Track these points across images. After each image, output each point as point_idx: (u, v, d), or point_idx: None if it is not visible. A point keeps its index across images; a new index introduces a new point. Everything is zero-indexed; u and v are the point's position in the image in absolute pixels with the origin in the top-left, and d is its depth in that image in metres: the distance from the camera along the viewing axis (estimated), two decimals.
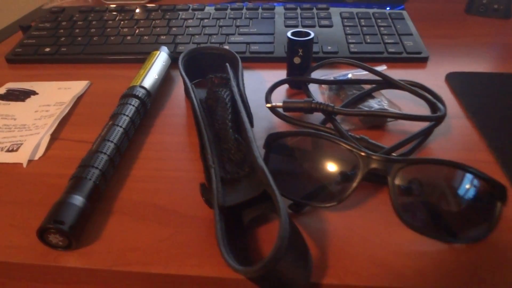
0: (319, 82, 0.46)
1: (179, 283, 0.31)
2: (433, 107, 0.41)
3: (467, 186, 0.30)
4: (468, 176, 0.29)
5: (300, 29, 0.46)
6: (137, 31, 0.62)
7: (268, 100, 0.43)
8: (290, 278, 0.26)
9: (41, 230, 0.31)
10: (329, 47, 0.56)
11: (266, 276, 0.24)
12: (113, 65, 0.57)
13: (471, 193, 0.30)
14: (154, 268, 0.31)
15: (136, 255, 0.31)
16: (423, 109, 0.45)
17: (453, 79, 0.50)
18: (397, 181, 0.30)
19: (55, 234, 0.31)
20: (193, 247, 0.32)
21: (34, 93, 0.52)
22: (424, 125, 0.39)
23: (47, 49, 0.59)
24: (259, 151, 0.32)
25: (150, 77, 0.48)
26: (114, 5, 0.70)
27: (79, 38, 0.61)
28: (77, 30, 0.63)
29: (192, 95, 0.40)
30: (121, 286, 0.32)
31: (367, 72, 0.48)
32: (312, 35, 0.45)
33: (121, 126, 0.40)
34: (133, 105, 0.43)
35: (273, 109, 0.42)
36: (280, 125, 0.44)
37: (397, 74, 0.52)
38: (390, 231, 0.32)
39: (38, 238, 0.31)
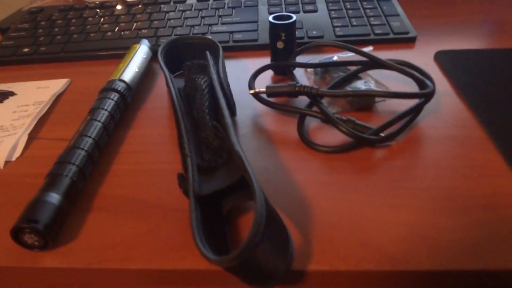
0: (303, 66, 0.44)
1: (162, 278, 0.30)
2: (421, 85, 0.40)
3: None
4: None
5: (282, 13, 0.45)
6: (117, 26, 0.60)
7: (251, 86, 0.42)
8: (269, 266, 0.24)
9: (15, 230, 0.29)
10: (314, 32, 0.54)
11: (243, 265, 0.23)
12: (93, 62, 0.56)
13: None
14: (134, 263, 0.29)
15: (115, 251, 0.30)
16: (411, 89, 0.44)
17: (441, 58, 0.49)
18: None
19: (29, 234, 0.29)
20: (175, 240, 0.30)
21: (12, 94, 0.50)
22: (412, 104, 0.38)
23: (26, 50, 0.58)
24: (236, 137, 0.30)
25: (130, 70, 0.46)
26: (94, 3, 0.68)
27: (59, 37, 0.59)
28: (56, 29, 0.62)
29: (170, 84, 0.38)
30: (101, 284, 0.31)
31: (353, 54, 0.47)
32: (294, 18, 0.44)
33: (99, 121, 0.39)
34: (112, 99, 0.42)
35: (256, 96, 0.41)
36: (264, 112, 0.42)
37: (385, 55, 0.51)
38: (380, 213, 0.31)
39: (12, 238, 0.30)
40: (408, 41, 0.54)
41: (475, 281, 0.28)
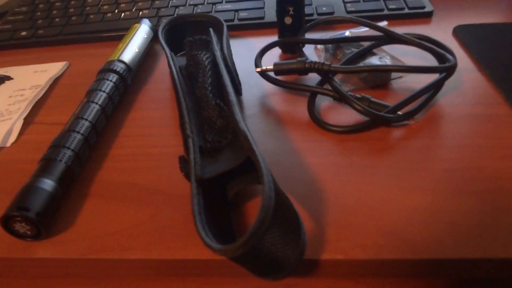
0: (313, 42, 0.41)
1: (163, 269, 0.27)
2: (441, 60, 0.37)
3: None
4: None
5: None
6: (117, 7, 0.58)
7: (258, 64, 0.39)
8: (280, 256, 0.22)
9: (5, 219, 0.27)
10: (324, 8, 0.51)
11: (250, 254, 0.21)
12: (93, 44, 0.53)
13: None
14: (134, 253, 0.27)
15: (113, 240, 0.28)
16: (430, 64, 0.41)
17: (461, 32, 0.46)
18: None
19: (21, 222, 0.27)
20: (177, 228, 0.28)
21: (8, 78, 0.48)
22: (432, 80, 0.35)
23: (24, 33, 0.55)
24: (241, 115, 0.28)
25: (130, 50, 0.44)
26: None
27: (57, 19, 0.57)
28: (54, 11, 0.59)
29: (171, 62, 0.36)
30: (100, 275, 0.29)
31: (366, 29, 0.44)
32: None
33: (97, 103, 0.37)
34: (111, 81, 0.39)
35: (263, 74, 0.38)
36: (272, 91, 0.40)
37: (400, 31, 0.47)
38: (400, 196, 0.28)
39: (2, 227, 0.28)
40: (424, 16, 0.50)
41: (508, 271, 0.25)
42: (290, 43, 0.43)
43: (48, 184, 0.29)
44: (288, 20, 0.42)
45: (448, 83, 0.38)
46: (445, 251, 0.25)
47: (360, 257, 0.25)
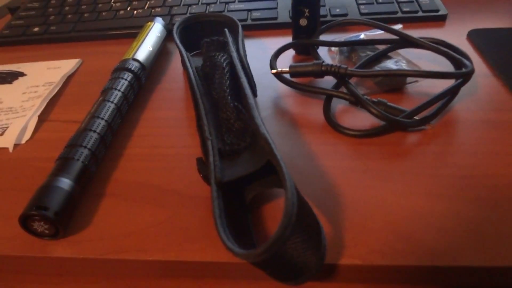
0: (329, 44, 0.41)
1: (179, 270, 0.27)
2: (457, 65, 0.37)
3: None
4: None
5: None
6: (130, 5, 0.58)
7: (273, 66, 0.39)
8: (301, 261, 0.22)
9: (24, 218, 0.27)
10: (337, 10, 0.51)
11: (272, 260, 0.21)
12: (105, 41, 0.53)
13: None
14: (151, 254, 0.27)
15: (131, 241, 0.28)
16: (446, 69, 0.41)
17: (476, 37, 0.46)
18: None
19: (39, 221, 0.28)
20: (194, 230, 0.28)
21: (22, 74, 0.48)
22: (446, 86, 0.35)
23: (36, 29, 0.56)
24: (261, 119, 0.28)
25: (144, 49, 0.44)
26: None
27: (69, 16, 0.57)
28: (67, 8, 0.59)
29: (187, 63, 0.36)
30: (115, 275, 0.29)
31: (381, 32, 0.44)
32: None
33: (112, 102, 0.37)
34: (126, 79, 0.39)
35: (279, 76, 0.38)
36: (286, 93, 0.40)
37: (414, 34, 0.47)
38: (416, 202, 0.28)
39: (21, 226, 0.28)
40: (438, 20, 0.50)
41: None
42: (305, 45, 0.43)
43: (66, 183, 0.29)
44: (303, 22, 0.42)
45: (463, 88, 0.38)
46: (464, 258, 0.25)
47: (378, 262, 0.25)
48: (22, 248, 0.28)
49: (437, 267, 0.25)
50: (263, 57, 0.46)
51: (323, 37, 0.46)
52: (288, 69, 0.37)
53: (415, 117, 0.33)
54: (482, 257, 0.25)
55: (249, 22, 0.52)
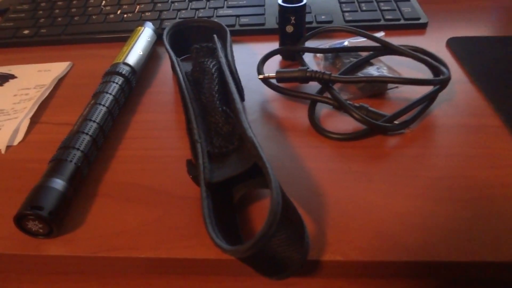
0: (314, 50, 0.43)
1: (170, 267, 0.29)
2: (435, 72, 0.39)
3: None
4: None
5: None
6: (120, 9, 0.59)
7: (260, 71, 0.41)
8: (285, 256, 0.23)
9: (19, 217, 0.28)
10: (323, 17, 0.53)
11: (258, 255, 0.22)
12: (95, 45, 0.54)
13: None
14: (142, 252, 0.28)
15: (122, 240, 0.29)
16: (425, 76, 0.43)
17: (454, 44, 0.48)
18: None
19: (34, 221, 0.28)
20: (184, 228, 0.29)
21: (12, 76, 0.49)
22: (426, 91, 0.37)
23: (26, 31, 0.56)
24: (248, 123, 0.29)
25: (134, 53, 0.45)
26: None
27: (59, 19, 0.58)
28: (57, 11, 0.60)
29: (177, 68, 0.37)
30: (108, 273, 0.30)
31: (364, 39, 0.45)
32: (305, 1, 0.42)
33: (104, 105, 0.38)
34: (117, 83, 0.40)
35: (265, 81, 0.40)
36: (273, 98, 0.41)
37: (396, 41, 0.49)
38: (395, 202, 0.30)
39: (16, 226, 0.29)
40: (419, 27, 0.52)
41: (496, 273, 0.27)
42: (291, 51, 0.45)
43: (59, 184, 0.30)
44: (289, 29, 0.44)
45: (441, 94, 0.40)
46: (437, 254, 0.26)
47: (359, 258, 0.27)
48: (16, 247, 0.29)
49: (414, 262, 0.26)
50: (251, 62, 0.47)
51: (309, 44, 0.48)
52: (274, 74, 0.39)
53: (395, 122, 0.35)
54: (456, 253, 0.26)
55: (237, 27, 0.53)
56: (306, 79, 0.38)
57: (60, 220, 0.29)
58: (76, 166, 0.32)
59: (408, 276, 0.28)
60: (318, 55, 0.46)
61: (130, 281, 0.31)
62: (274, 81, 0.40)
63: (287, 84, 0.42)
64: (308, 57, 0.47)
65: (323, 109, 0.39)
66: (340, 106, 0.36)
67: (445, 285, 0.30)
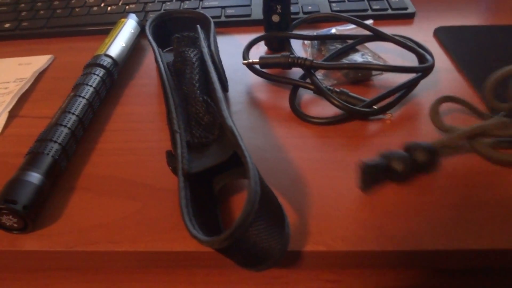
0: (300, 37, 0.42)
1: (150, 261, 0.28)
2: (421, 60, 0.38)
3: None
4: None
5: None
6: (104, 1, 0.58)
7: (245, 57, 0.40)
8: (264, 247, 0.23)
9: None
10: (309, 7, 0.52)
11: (235, 246, 0.21)
12: (79, 38, 0.53)
13: None
14: (121, 245, 0.27)
15: (101, 233, 0.28)
16: (410, 63, 0.42)
17: (441, 34, 0.47)
18: None
19: (8, 215, 0.28)
20: (164, 221, 0.29)
21: None
22: (406, 79, 0.36)
23: (7, 25, 0.55)
24: (228, 112, 0.28)
25: (117, 45, 0.44)
26: None
27: (42, 12, 0.57)
28: (39, 4, 0.59)
29: (159, 58, 0.36)
30: (88, 268, 0.29)
31: (352, 27, 0.45)
32: None
33: (84, 97, 0.37)
34: (98, 75, 0.39)
35: (250, 66, 0.39)
36: (257, 88, 0.41)
37: (383, 31, 0.49)
38: (379, 192, 0.29)
39: None
40: (406, 17, 0.52)
41: (480, 260, 0.26)
42: (277, 38, 0.44)
43: (35, 177, 0.30)
44: (275, 18, 0.43)
45: (427, 82, 0.39)
46: (421, 243, 0.26)
47: (342, 248, 0.26)
48: None
49: (398, 252, 0.26)
50: (236, 53, 0.46)
51: (296, 33, 0.47)
52: (258, 59, 0.38)
53: (374, 107, 0.35)
54: (440, 241, 0.26)
55: (223, 19, 0.52)
56: (288, 65, 0.37)
57: (35, 215, 0.29)
58: (54, 159, 0.31)
59: (393, 266, 0.27)
60: (305, 42, 0.45)
61: (111, 276, 0.30)
62: (258, 67, 0.39)
63: (272, 71, 0.41)
64: (297, 46, 0.46)
65: (305, 95, 0.39)
66: (319, 92, 0.36)
67: (431, 274, 0.29)
